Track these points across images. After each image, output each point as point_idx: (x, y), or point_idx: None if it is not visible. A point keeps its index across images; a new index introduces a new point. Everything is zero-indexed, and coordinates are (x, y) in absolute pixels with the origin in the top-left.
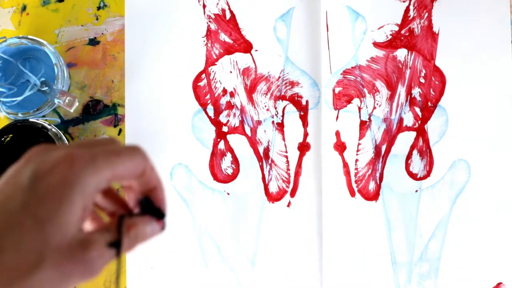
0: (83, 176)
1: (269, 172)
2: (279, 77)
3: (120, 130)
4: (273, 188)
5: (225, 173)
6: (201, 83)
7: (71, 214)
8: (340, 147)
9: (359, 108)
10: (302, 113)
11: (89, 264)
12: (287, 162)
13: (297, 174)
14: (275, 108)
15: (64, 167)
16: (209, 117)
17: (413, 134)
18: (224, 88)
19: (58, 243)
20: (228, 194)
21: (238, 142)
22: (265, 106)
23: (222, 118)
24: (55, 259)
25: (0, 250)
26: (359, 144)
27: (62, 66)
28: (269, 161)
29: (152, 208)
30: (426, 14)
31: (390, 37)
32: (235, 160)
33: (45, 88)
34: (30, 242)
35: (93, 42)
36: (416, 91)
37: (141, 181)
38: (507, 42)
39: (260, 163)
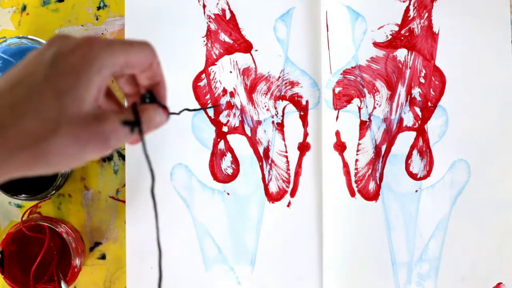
0: (100, 57)
1: (269, 172)
2: (279, 77)
3: None
4: (273, 188)
5: (225, 173)
6: (201, 83)
7: (88, 89)
8: (340, 147)
9: (359, 108)
10: (302, 113)
11: (104, 137)
12: (287, 162)
13: (297, 174)
14: (275, 108)
15: (84, 49)
16: (209, 117)
17: (413, 134)
18: (224, 88)
19: (74, 114)
20: (228, 194)
21: (238, 142)
22: (265, 106)
23: (222, 118)
24: (71, 127)
25: (21, 115)
26: (359, 144)
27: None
28: (269, 161)
29: (154, 102)
30: (426, 14)
31: (390, 37)
32: (235, 160)
33: None
34: (48, 111)
35: None
36: (416, 91)
37: (147, 75)
38: (507, 42)
39: (260, 163)
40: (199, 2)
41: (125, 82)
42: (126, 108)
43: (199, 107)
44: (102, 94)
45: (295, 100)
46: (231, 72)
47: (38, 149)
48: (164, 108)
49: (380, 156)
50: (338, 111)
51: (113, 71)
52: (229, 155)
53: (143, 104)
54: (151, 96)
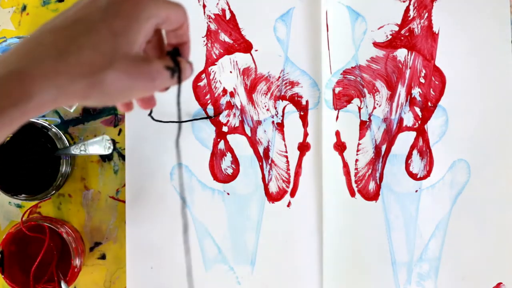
0: (149, 8)
1: (269, 172)
2: (279, 77)
3: (120, 130)
4: (273, 188)
5: (225, 173)
6: (201, 83)
7: (138, 34)
8: (340, 147)
9: (359, 108)
10: (302, 113)
11: (151, 76)
12: (287, 162)
13: (297, 174)
14: (275, 108)
15: None
16: (209, 117)
17: (413, 134)
18: (224, 88)
19: (126, 52)
20: (228, 194)
21: (238, 142)
22: (265, 106)
23: (222, 118)
24: (123, 63)
25: (79, 48)
26: (359, 144)
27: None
28: (269, 161)
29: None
30: (426, 14)
31: (390, 37)
32: (235, 160)
33: None
34: (104, 47)
35: None
36: (416, 91)
37: (177, 33)
38: (507, 42)
39: (260, 163)
40: (199, 2)
41: (152, 47)
42: (165, 56)
43: (202, 112)
44: (146, 42)
45: (295, 100)
46: (231, 72)
47: (95, 79)
48: (190, 63)
49: (380, 156)
50: (338, 111)
51: (157, 22)
52: (229, 155)
53: (179, 57)
54: (177, 53)
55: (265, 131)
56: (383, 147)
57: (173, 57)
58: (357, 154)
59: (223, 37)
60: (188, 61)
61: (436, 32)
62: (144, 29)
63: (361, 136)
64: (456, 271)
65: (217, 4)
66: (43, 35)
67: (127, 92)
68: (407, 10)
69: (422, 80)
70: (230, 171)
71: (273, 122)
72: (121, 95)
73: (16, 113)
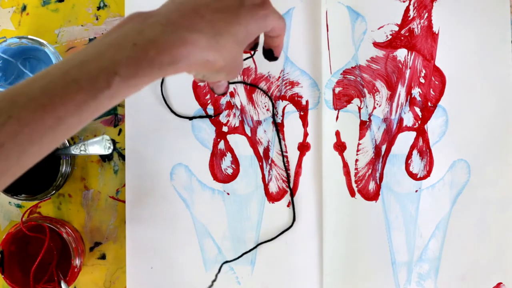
0: (271, 17)
1: (269, 172)
2: (279, 77)
3: (120, 130)
4: (273, 188)
5: (225, 173)
6: (201, 83)
7: (255, 35)
8: (340, 147)
9: (359, 108)
10: (302, 113)
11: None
12: (287, 162)
13: (297, 174)
14: (275, 108)
15: (263, 5)
16: (209, 117)
17: (413, 134)
18: None
19: (245, 46)
20: (228, 194)
21: (238, 142)
22: (265, 106)
23: (222, 118)
24: (241, 49)
25: (227, 32)
26: (359, 144)
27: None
28: (269, 161)
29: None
30: (426, 14)
31: (390, 37)
32: (235, 160)
33: None
34: (240, 38)
35: None
36: (416, 91)
37: (273, 40)
38: (507, 42)
39: (260, 163)
40: None
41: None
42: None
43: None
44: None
45: (295, 100)
46: None
47: (231, 63)
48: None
49: (380, 156)
50: (338, 111)
51: (268, 30)
52: (229, 155)
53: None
54: (271, 52)
55: (265, 131)
56: (383, 147)
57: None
58: (357, 154)
59: None
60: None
61: (436, 32)
62: (259, 33)
63: (361, 136)
64: (456, 271)
65: None
66: (201, 9)
67: (234, 74)
68: (407, 10)
69: (422, 80)
70: (230, 171)
71: (273, 122)
72: (234, 74)
73: (169, 69)
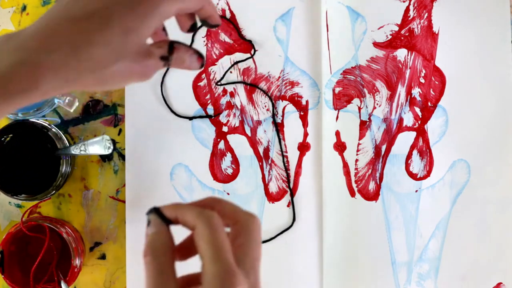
0: (163, 4)
1: (269, 172)
2: (279, 77)
3: (120, 130)
4: (273, 188)
5: (225, 173)
6: (201, 83)
7: (148, 30)
8: (340, 147)
9: (359, 108)
10: (302, 113)
11: (147, 68)
12: (287, 162)
13: (297, 174)
14: (275, 108)
15: None
16: (209, 117)
17: (413, 134)
18: (224, 88)
19: (133, 48)
20: (228, 194)
21: (238, 142)
22: (265, 106)
23: (222, 118)
24: (128, 59)
25: (92, 45)
26: (359, 144)
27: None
28: (269, 161)
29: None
30: (426, 14)
31: (390, 37)
32: (235, 160)
33: None
34: (115, 44)
35: None
36: (416, 91)
37: (199, 13)
38: (507, 42)
39: (260, 163)
40: None
41: (184, 15)
42: (164, 42)
43: (203, 113)
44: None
45: (295, 100)
46: (231, 72)
47: (101, 75)
48: (200, 56)
49: (380, 156)
50: (338, 111)
51: (169, 16)
52: (229, 155)
53: (178, 44)
54: (173, 44)
55: (265, 131)
56: (383, 147)
57: (169, 45)
58: (357, 154)
59: (223, 37)
60: (197, 52)
61: (436, 32)
62: (156, 25)
63: (361, 136)
64: (456, 271)
65: (217, 4)
66: (60, 24)
67: (126, 83)
68: (407, 10)
69: (422, 80)
70: (230, 171)
71: (273, 122)
72: (119, 85)
73: (21, 99)
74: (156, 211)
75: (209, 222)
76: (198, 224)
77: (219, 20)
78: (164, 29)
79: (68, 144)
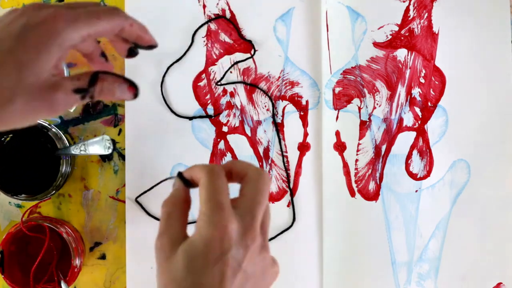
0: (63, 33)
1: (269, 172)
2: (279, 77)
3: (120, 130)
4: (273, 188)
5: None
6: (201, 83)
7: (47, 62)
8: (340, 147)
9: (359, 108)
10: (302, 113)
11: (54, 104)
12: (287, 162)
13: (297, 174)
14: (275, 108)
15: (49, 23)
16: (209, 117)
17: (413, 134)
18: (224, 88)
19: (31, 84)
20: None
21: (238, 142)
22: (265, 106)
23: (222, 118)
24: (26, 97)
25: None
26: (359, 144)
27: (62, 66)
28: (269, 161)
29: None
30: (426, 14)
31: (390, 37)
32: None
33: None
34: (8, 81)
35: None
36: (416, 91)
37: (124, 35)
38: (507, 42)
39: (260, 163)
40: (199, 2)
41: (116, 40)
42: (85, 74)
43: (203, 113)
44: (63, 60)
45: (295, 100)
46: (231, 72)
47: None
48: (132, 85)
49: (380, 156)
50: (338, 111)
51: (75, 43)
52: (229, 155)
53: (105, 74)
54: (96, 76)
55: (265, 131)
56: (383, 147)
57: (92, 76)
58: (357, 154)
59: (223, 37)
60: (128, 81)
61: (436, 32)
62: (56, 56)
63: (361, 136)
64: (456, 271)
65: (217, 4)
66: None
67: (29, 121)
68: (407, 10)
69: (422, 80)
70: None
71: (273, 122)
72: (21, 124)
73: None
74: (179, 175)
75: (209, 171)
76: (201, 176)
77: (152, 40)
78: (103, 54)
79: (68, 144)
